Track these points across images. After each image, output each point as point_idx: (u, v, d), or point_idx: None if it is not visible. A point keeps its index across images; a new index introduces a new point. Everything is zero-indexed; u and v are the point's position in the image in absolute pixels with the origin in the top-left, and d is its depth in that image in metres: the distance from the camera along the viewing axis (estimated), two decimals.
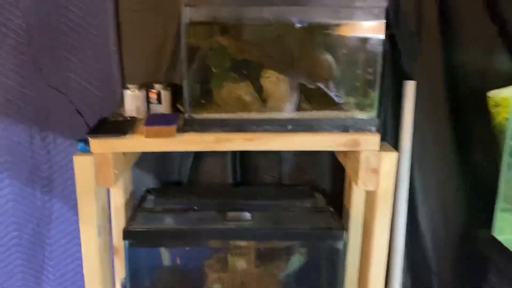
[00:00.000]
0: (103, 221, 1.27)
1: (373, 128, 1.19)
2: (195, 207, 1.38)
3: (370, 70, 1.20)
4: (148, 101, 1.30)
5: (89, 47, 1.53)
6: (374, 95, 1.19)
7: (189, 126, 1.16)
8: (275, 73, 1.20)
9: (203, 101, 1.19)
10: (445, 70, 1.42)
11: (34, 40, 1.50)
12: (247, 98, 1.20)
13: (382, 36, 1.14)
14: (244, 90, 1.20)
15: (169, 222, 1.30)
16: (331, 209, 1.38)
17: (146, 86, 1.31)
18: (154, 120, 1.16)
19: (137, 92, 1.28)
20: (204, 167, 1.56)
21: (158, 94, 1.28)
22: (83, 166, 1.17)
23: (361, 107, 1.21)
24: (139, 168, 1.53)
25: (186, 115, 1.16)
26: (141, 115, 1.29)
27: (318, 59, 1.22)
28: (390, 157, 1.19)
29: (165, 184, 1.56)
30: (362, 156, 1.19)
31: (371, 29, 1.17)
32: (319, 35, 1.22)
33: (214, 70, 1.19)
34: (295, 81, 1.20)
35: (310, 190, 1.52)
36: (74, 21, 1.50)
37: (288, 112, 1.20)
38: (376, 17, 1.13)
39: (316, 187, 1.57)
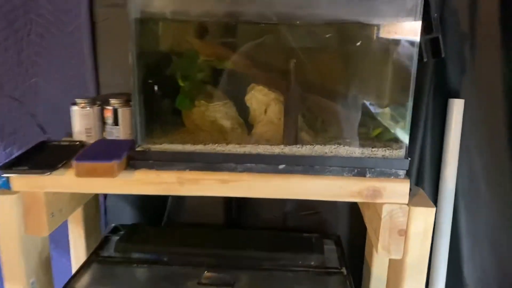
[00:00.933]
0: (40, 276, 0.97)
1: (401, 172, 0.83)
2: (165, 259, 1.06)
3: (399, 86, 0.84)
4: (103, 120, 0.99)
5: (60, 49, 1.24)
6: (404, 122, 0.83)
7: (142, 161, 0.84)
8: (265, 89, 0.86)
9: (163, 127, 0.86)
10: (506, 85, 1.04)
11: None
12: (226, 123, 0.87)
13: (417, 38, 0.78)
14: (222, 112, 0.87)
15: (123, 281, 0.99)
16: (345, 270, 1.03)
17: (102, 100, 1.00)
18: (91, 151, 0.85)
19: (87, 108, 0.97)
20: (189, 201, 1.24)
21: (114, 112, 0.96)
22: (3, 208, 0.87)
23: (385, 140, 0.85)
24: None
25: (138, 146, 0.84)
26: (94, 138, 0.99)
27: (326, 70, 0.87)
28: (425, 214, 0.83)
29: (145, 218, 1.26)
30: (385, 212, 0.83)
31: (402, 30, 0.81)
32: (329, 37, 0.87)
33: (181, 84, 0.86)
34: (294, 100, 0.86)
35: (320, 238, 1.17)
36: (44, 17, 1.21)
37: (281, 144, 0.85)
38: (408, 13, 0.77)
39: (329, 232, 1.22)
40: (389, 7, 0.79)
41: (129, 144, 0.87)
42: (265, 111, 0.87)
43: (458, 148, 1.10)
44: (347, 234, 1.22)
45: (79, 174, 0.80)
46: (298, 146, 0.84)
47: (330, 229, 1.24)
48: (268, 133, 0.86)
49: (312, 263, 1.06)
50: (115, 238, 1.16)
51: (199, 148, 0.84)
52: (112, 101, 0.97)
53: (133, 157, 0.84)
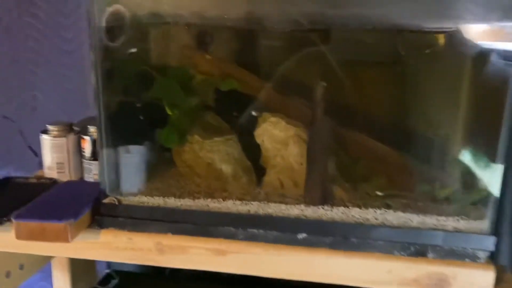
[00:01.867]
0: None
1: (482, 254, 0.55)
2: None
3: (485, 120, 0.56)
4: (81, 152, 0.77)
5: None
6: (490, 177, 0.54)
7: (109, 217, 0.61)
8: (282, 122, 0.61)
9: (140, 172, 0.63)
10: None
11: None
12: (226, 167, 0.62)
13: None
14: (221, 152, 0.62)
15: None
16: None
17: (81, 127, 0.78)
18: (42, 203, 0.63)
19: (60, 138, 0.76)
20: None
21: (93, 144, 0.74)
22: None
23: (458, 204, 0.57)
24: None
25: (105, 198, 0.61)
26: (68, 176, 0.77)
27: (374, 95, 0.61)
28: None
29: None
30: None
31: (491, 34, 0.53)
32: (381, 47, 0.60)
33: (169, 113, 0.62)
34: (321, 138, 0.59)
35: None
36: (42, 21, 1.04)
37: (302, 204, 0.59)
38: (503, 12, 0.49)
39: None
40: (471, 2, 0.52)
41: (98, 192, 0.64)
42: (283, 152, 0.61)
43: None
44: None
45: (20, 236, 0.59)
46: (326, 207, 0.58)
47: None
48: (284, 185, 0.61)
49: None
50: None
51: (185, 203, 0.60)
52: (91, 129, 0.75)
53: (99, 212, 0.62)
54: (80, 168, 0.78)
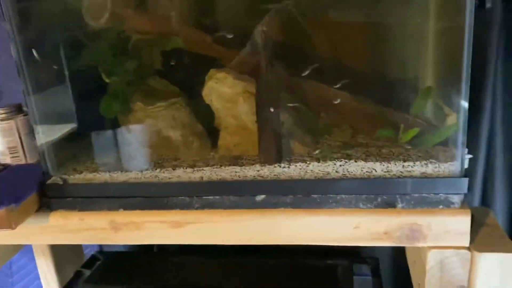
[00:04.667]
0: None
1: (456, 198, 0.50)
2: None
3: (446, 53, 0.51)
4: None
5: None
6: (457, 113, 0.49)
7: (57, 198, 0.57)
8: (230, 77, 0.55)
9: (84, 147, 0.58)
10: None
11: None
12: (174, 133, 0.57)
13: None
14: (167, 118, 0.57)
15: None
16: None
17: None
18: None
19: (8, 120, 0.71)
20: None
21: None
22: None
23: (426, 146, 0.52)
24: None
25: (49, 178, 0.57)
26: (23, 160, 0.73)
27: (327, 34, 0.55)
28: (499, 261, 0.50)
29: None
30: (432, 261, 0.52)
31: None
32: None
33: (106, 80, 0.57)
34: (270, 90, 0.54)
35: (349, 266, 0.86)
36: None
37: (259, 163, 0.54)
38: None
39: (364, 253, 0.91)
40: None
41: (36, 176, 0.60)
42: (235, 110, 0.56)
43: None
44: (389, 256, 0.90)
45: None
46: (282, 165, 0.53)
47: (367, 250, 0.93)
48: (239, 146, 0.56)
49: None
50: (87, 272, 0.92)
51: (134, 176, 0.55)
52: None
53: (45, 194, 0.58)
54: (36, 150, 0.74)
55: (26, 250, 1.08)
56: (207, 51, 0.59)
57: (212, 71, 0.57)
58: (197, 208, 0.55)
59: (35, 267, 1.16)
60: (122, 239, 0.57)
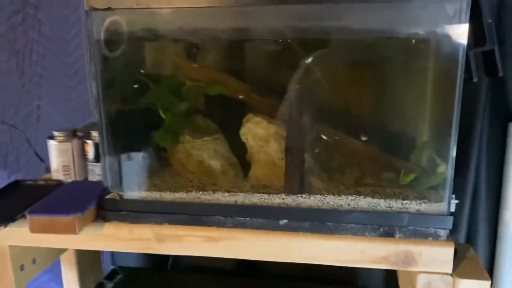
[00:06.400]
0: None
1: (442, 232, 0.62)
2: None
3: (439, 115, 0.64)
4: (85, 155, 0.85)
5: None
6: (446, 165, 0.61)
7: (112, 211, 0.68)
8: (264, 121, 0.68)
9: (139, 170, 0.70)
10: None
11: None
12: (215, 163, 0.70)
13: (458, 52, 0.57)
14: (210, 150, 0.69)
15: None
16: None
17: (84, 132, 0.86)
18: (52, 200, 0.70)
19: (65, 143, 0.83)
20: None
21: (95, 147, 0.82)
22: None
23: (420, 189, 0.64)
24: None
25: (108, 194, 0.69)
26: (73, 177, 0.85)
27: (345, 95, 0.68)
28: (473, 286, 0.62)
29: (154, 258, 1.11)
30: (421, 283, 0.63)
31: (441, 42, 0.60)
32: (348, 53, 0.68)
33: (162, 116, 0.70)
34: (296, 135, 0.67)
35: None
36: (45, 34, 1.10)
37: (284, 193, 0.66)
38: (449, 21, 0.56)
39: (359, 283, 1.01)
40: (423, 13, 0.59)
41: (102, 189, 0.72)
42: (265, 148, 0.68)
43: None
44: (381, 286, 1.01)
45: (33, 230, 0.66)
46: (304, 196, 0.65)
47: (362, 280, 1.03)
48: (267, 178, 0.68)
49: None
50: (110, 285, 1.02)
51: (179, 196, 0.67)
52: (94, 133, 0.82)
53: (103, 207, 0.69)
54: (85, 169, 0.85)
55: None
56: (244, 98, 0.72)
57: (249, 115, 0.69)
58: (230, 227, 0.66)
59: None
60: (164, 250, 0.68)
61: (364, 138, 0.67)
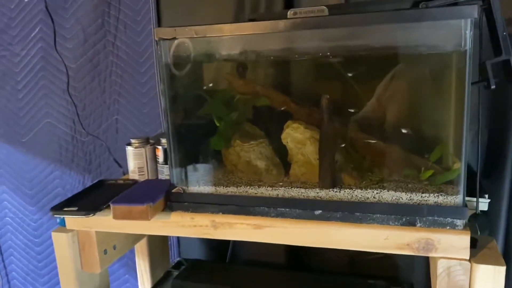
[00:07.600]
0: None
1: (459, 222, 0.70)
2: None
3: (453, 118, 0.72)
4: (156, 159, 1.01)
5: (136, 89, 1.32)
6: (459, 162, 0.70)
7: (177, 202, 0.83)
8: (301, 127, 0.80)
9: (198, 169, 0.85)
10: None
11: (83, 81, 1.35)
12: (260, 163, 0.82)
13: (468, 61, 0.66)
14: (256, 152, 0.82)
15: None
16: None
17: (155, 140, 1.02)
18: (130, 193, 0.86)
19: (140, 148, 1.00)
20: None
21: (164, 152, 0.98)
22: (60, 245, 0.93)
23: (438, 183, 0.73)
24: None
25: (173, 188, 0.84)
26: (146, 177, 1.01)
27: (369, 103, 0.79)
28: (493, 273, 0.69)
29: (215, 251, 1.25)
30: (441, 268, 0.71)
31: (453, 53, 0.69)
32: (372, 68, 0.78)
33: (217, 124, 0.84)
34: (328, 138, 0.78)
35: (388, 285, 1.04)
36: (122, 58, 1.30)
37: (318, 188, 0.78)
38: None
39: (402, 278, 1.08)
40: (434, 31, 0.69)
41: (169, 185, 0.87)
42: (302, 150, 0.80)
43: None
44: (424, 282, 1.07)
45: (115, 217, 0.82)
46: (335, 190, 0.76)
47: (405, 275, 1.10)
48: (305, 175, 0.80)
49: None
50: (176, 273, 1.17)
51: (231, 190, 0.80)
52: (163, 140, 0.98)
53: (170, 199, 0.84)
54: (156, 170, 1.02)
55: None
56: (285, 108, 0.85)
57: (289, 121, 0.82)
58: (272, 216, 0.78)
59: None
60: (219, 235, 0.81)
61: (404, 131, 0.75)
